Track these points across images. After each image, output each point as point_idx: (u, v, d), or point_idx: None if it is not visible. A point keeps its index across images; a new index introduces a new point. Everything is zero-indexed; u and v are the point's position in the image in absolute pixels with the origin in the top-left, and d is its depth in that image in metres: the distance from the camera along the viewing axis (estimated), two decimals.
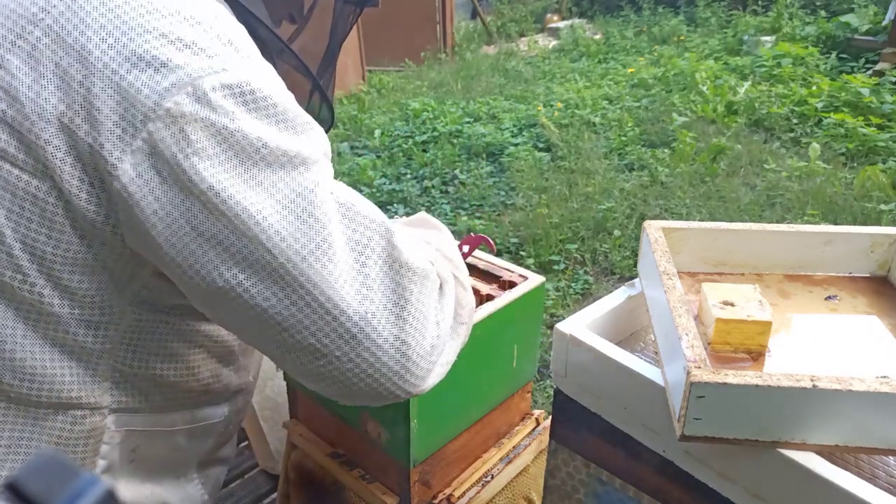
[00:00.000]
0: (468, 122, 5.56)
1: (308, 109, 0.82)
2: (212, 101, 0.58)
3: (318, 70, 0.86)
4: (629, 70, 6.84)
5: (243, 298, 0.62)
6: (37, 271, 0.64)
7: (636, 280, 0.97)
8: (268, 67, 0.65)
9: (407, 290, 0.66)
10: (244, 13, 0.69)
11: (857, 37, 6.76)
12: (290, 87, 0.76)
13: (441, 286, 0.72)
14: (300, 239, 0.61)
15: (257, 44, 0.69)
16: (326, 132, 0.85)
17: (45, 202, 0.62)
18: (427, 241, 0.78)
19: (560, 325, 0.86)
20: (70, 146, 0.60)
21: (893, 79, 5.43)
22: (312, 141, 0.65)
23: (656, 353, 0.83)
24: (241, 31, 0.65)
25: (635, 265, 2.51)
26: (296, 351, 0.65)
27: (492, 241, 1.04)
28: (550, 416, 0.96)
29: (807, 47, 6.50)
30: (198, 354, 0.78)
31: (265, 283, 0.61)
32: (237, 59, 0.61)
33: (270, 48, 0.74)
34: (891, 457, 0.72)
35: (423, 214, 0.87)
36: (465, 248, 1.01)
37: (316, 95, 0.83)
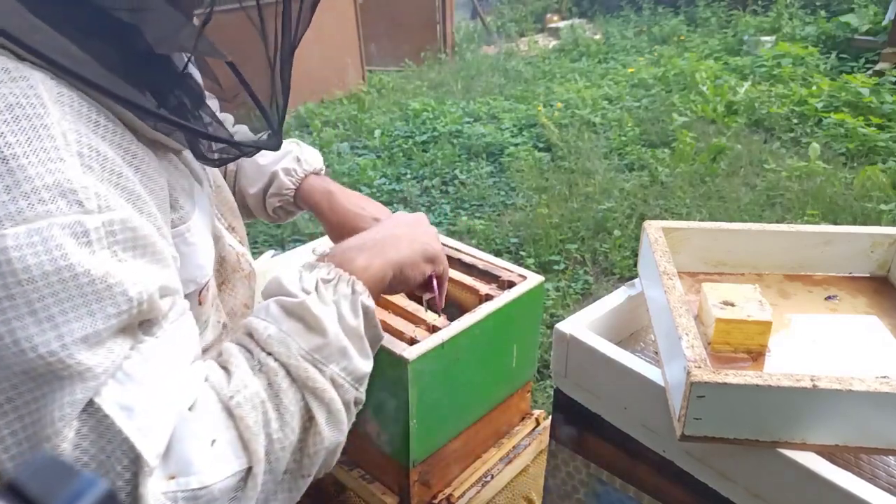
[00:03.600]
0: (468, 122, 5.56)
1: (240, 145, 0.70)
2: None
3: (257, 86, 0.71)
4: (629, 70, 6.84)
5: None
6: None
7: (636, 280, 0.97)
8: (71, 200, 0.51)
9: None
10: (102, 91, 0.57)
11: (857, 37, 6.77)
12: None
13: (234, 486, 0.58)
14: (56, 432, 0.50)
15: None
16: (273, 150, 0.73)
17: None
18: (290, 363, 0.62)
19: (560, 325, 0.86)
20: None
21: (893, 79, 5.43)
22: (106, 311, 0.52)
23: (656, 353, 0.83)
24: (62, 134, 0.52)
25: (635, 265, 2.51)
26: None
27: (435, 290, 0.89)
28: (550, 416, 0.96)
29: (807, 47, 6.51)
30: None
31: None
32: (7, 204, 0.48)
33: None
34: (891, 457, 0.72)
35: (306, 303, 0.65)
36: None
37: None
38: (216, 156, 0.70)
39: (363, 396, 0.68)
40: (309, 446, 0.63)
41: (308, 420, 0.63)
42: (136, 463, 0.53)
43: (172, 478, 0.55)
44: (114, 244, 0.53)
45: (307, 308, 0.64)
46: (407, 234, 0.79)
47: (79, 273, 0.51)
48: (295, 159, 1.07)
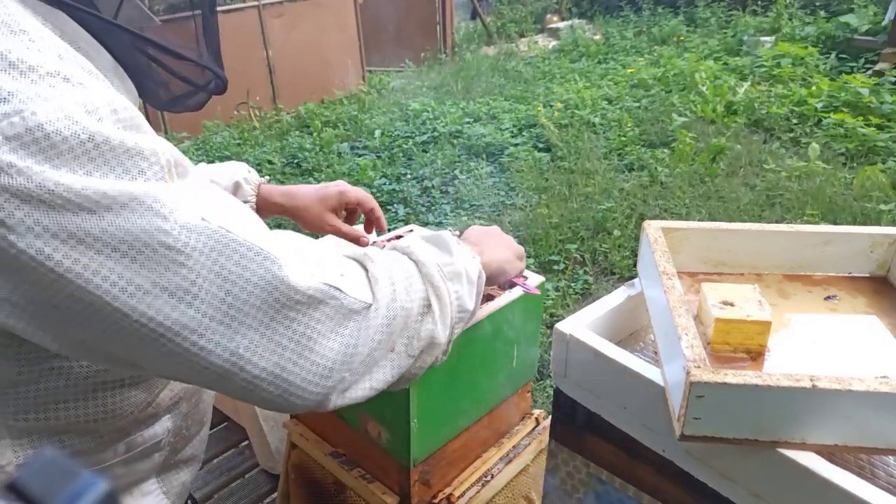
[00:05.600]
0: (468, 123, 5.56)
1: (193, 79, 0.74)
2: None
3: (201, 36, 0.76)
4: (629, 70, 6.85)
5: (113, 355, 0.58)
6: None
7: (636, 280, 0.97)
8: (75, 82, 0.53)
9: (288, 318, 0.61)
10: (70, 9, 0.60)
11: (856, 37, 6.78)
12: (163, 61, 0.70)
13: (356, 311, 0.66)
14: (150, 290, 0.54)
15: (100, 34, 0.62)
16: (220, 94, 0.77)
17: None
18: (421, 260, 0.74)
19: (560, 325, 0.86)
20: None
21: (893, 79, 5.44)
22: (143, 170, 0.55)
23: (656, 352, 0.83)
24: (42, 38, 0.54)
25: (635, 265, 2.51)
26: (186, 382, 0.64)
27: (532, 288, 1.04)
28: (550, 416, 0.96)
29: (806, 47, 6.51)
30: (109, 390, 0.68)
31: (128, 341, 0.56)
32: (23, 88, 0.50)
33: (115, 36, 0.65)
34: (891, 457, 0.72)
35: (443, 234, 0.81)
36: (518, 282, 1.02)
37: (197, 67, 0.75)
38: (168, 96, 0.74)
39: (451, 337, 0.77)
40: (421, 331, 0.73)
41: (426, 307, 0.73)
42: (271, 261, 0.60)
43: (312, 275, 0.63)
44: (117, 122, 0.55)
45: (442, 236, 0.80)
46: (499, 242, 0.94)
47: (108, 139, 0.53)
48: (247, 171, 1.13)
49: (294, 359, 0.62)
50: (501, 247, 0.91)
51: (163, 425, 0.78)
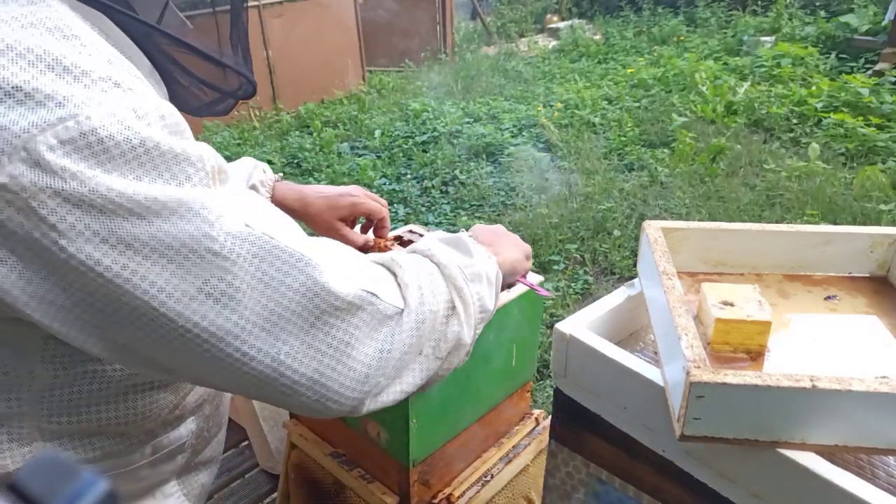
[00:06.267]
0: (468, 123, 5.56)
1: (224, 87, 0.76)
2: (52, 165, 0.49)
3: (230, 40, 0.77)
4: (629, 70, 6.84)
5: (154, 360, 0.59)
6: None
7: (636, 280, 0.97)
8: (125, 87, 0.54)
9: (328, 324, 0.62)
10: (115, 14, 0.61)
11: (856, 37, 6.77)
12: (198, 68, 0.70)
13: (390, 316, 0.67)
14: (196, 296, 0.55)
15: (141, 40, 0.63)
16: (249, 98, 0.79)
17: None
18: (443, 263, 0.74)
19: (560, 325, 0.86)
20: None
21: (893, 79, 5.43)
22: (190, 176, 0.55)
23: (656, 353, 0.83)
24: (92, 43, 0.55)
25: (635, 265, 2.51)
26: (223, 389, 0.64)
27: (543, 291, 1.04)
28: (550, 416, 0.96)
29: (806, 47, 6.51)
30: (140, 392, 0.70)
31: (171, 346, 0.57)
32: (77, 93, 0.51)
33: (156, 42, 0.66)
34: (891, 457, 0.72)
35: (461, 236, 0.82)
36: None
37: (229, 73, 0.76)
38: (199, 102, 0.75)
39: (474, 337, 0.77)
40: (448, 332, 0.73)
41: (451, 309, 0.73)
42: (309, 265, 0.60)
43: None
44: (164, 128, 0.55)
45: (460, 238, 0.80)
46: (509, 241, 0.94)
47: (158, 145, 0.53)
48: (262, 171, 1.12)
49: (333, 364, 0.63)
50: (511, 246, 0.92)
51: (187, 427, 0.80)
